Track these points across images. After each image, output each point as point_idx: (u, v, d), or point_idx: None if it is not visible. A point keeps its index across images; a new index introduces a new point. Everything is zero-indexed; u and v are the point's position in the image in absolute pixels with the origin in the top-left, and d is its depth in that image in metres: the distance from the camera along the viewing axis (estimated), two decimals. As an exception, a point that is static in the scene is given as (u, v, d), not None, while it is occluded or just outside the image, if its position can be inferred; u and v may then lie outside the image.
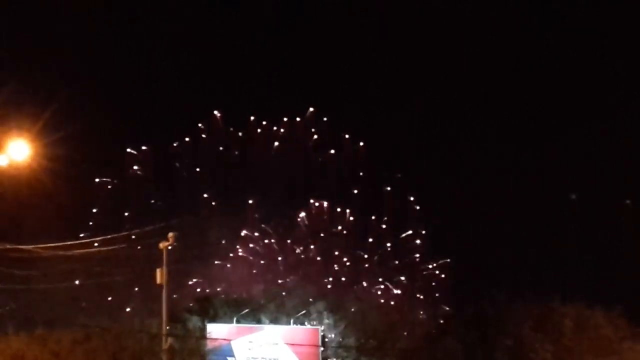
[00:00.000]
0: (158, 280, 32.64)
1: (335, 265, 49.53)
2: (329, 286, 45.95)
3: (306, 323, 38.83)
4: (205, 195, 51.45)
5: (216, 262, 48.59)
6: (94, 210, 50.00)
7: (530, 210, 51.10)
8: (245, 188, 51.31)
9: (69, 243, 34.75)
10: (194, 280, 47.63)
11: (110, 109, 50.60)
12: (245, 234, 50.49)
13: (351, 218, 51.47)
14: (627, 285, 42.39)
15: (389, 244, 51.64)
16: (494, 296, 39.88)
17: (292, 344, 36.51)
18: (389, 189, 51.79)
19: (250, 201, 51.22)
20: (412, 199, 52.01)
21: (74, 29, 52.22)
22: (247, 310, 39.76)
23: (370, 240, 51.47)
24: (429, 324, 42.88)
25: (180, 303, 41.99)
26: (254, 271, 48.07)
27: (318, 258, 49.95)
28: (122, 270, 39.41)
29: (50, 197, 41.82)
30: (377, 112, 56.79)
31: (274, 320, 39.41)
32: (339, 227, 51.32)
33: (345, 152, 52.74)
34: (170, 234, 32.57)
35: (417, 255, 51.51)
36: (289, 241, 50.02)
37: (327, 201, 51.36)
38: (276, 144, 53.20)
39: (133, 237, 38.01)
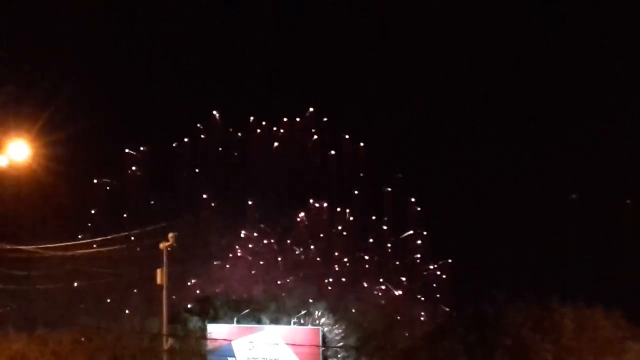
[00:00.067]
0: (158, 281, 32.67)
1: (336, 266, 49.49)
2: (329, 287, 45.91)
3: (307, 323, 38.86)
4: (204, 196, 51.42)
5: (216, 262, 48.55)
6: (93, 212, 49.92)
7: (530, 210, 51.06)
8: (245, 188, 51.30)
9: (69, 243, 34.81)
10: (195, 280, 47.60)
11: (109, 109, 50.61)
12: (245, 234, 50.45)
13: (351, 218, 51.44)
14: (627, 285, 42.37)
15: (389, 245, 51.61)
16: (494, 296, 39.94)
17: (293, 344, 36.53)
18: (389, 189, 51.75)
19: (250, 202, 51.20)
20: (412, 199, 51.98)
21: (74, 29, 52.23)
22: (247, 311, 39.80)
23: (371, 240, 51.44)
24: (429, 324, 42.90)
25: (180, 303, 42.00)
26: (254, 272, 48.02)
27: (318, 258, 49.93)
28: (122, 271, 39.37)
29: (49, 198, 41.84)
30: (377, 112, 56.77)
31: (275, 321, 39.43)
32: (339, 228, 51.26)
33: (345, 153, 52.71)
34: (171, 235, 32.61)
35: (418, 255, 51.47)
36: (288, 241, 49.98)
37: (327, 201, 51.33)
38: (276, 144, 53.18)
39: (132, 238, 37.99)
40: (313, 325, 38.60)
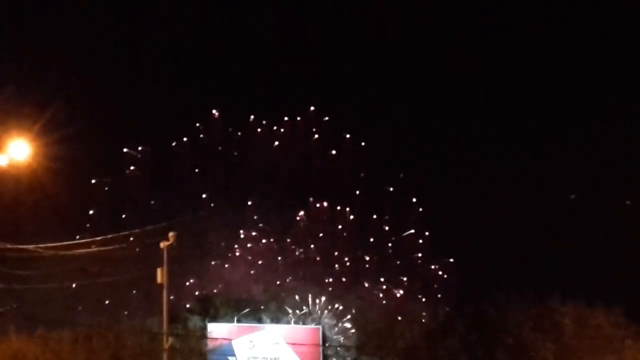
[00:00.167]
0: (158, 280, 32.69)
1: (336, 265, 49.45)
2: (330, 288, 45.85)
3: (307, 322, 38.87)
4: (204, 196, 51.39)
5: (216, 262, 48.53)
6: (91, 212, 49.87)
7: (530, 210, 51.03)
8: (245, 188, 51.26)
9: (69, 243, 34.77)
10: (195, 280, 47.57)
11: (109, 109, 50.61)
12: (245, 234, 50.42)
13: (351, 217, 51.42)
14: (627, 284, 42.36)
15: (390, 244, 51.57)
16: (494, 296, 39.98)
17: (293, 344, 36.55)
18: (391, 189, 51.74)
19: (250, 202, 51.16)
20: (414, 200, 51.97)
21: (74, 29, 52.25)
22: (247, 310, 39.81)
23: (372, 240, 51.40)
24: (430, 324, 42.89)
25: (181, 303, 41.99)
26: (254, 271, 47.98)
27: (317, 258, 49.89)
28: (123, 270, 39.34)
29: (50, 197, 41.82)
30: (377, 111, 56.75)
31: (275, 320, 39.44)
32: (340, 227, 51.23)
33: (346, 152, 52.66)
34: (171, 234, 32.65)
35: (419, 255, 51.43)
36: (288, 240, 49.97)
37: (327, 201, 51.29)
38: (276, 143, 53.13)
39: (131, 239, 37.98)
40: (314, 324, 38.62)
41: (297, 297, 40.27)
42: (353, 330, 39.36)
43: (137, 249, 39.65)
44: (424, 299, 48.01)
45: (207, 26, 58.92)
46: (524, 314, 39.02)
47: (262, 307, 40.18)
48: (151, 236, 34.66)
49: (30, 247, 33.33)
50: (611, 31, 54.54)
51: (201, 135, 53.17)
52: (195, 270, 46.94)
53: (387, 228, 51.51)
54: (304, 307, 39.75)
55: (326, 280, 45.95)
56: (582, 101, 54.52)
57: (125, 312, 42.59)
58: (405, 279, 49.85)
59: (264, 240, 50.02)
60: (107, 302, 43.79)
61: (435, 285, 49.91)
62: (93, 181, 50.51)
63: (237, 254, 49.32)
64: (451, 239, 50.23)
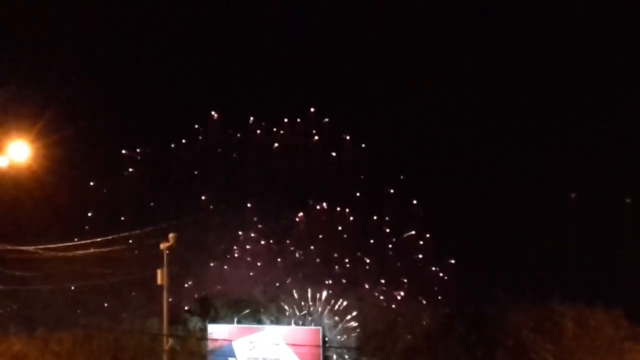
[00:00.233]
0: (159, 281, 32.77)
1: (336, 267, 49.45)
2: (330, 290, 45.87)
3: (307, 323, 38.87)
4: (203, 197, 51.40)
5: (216, 263, 48.54)
6: (89, 214, 49.86)
7: (530, 210, 51.01)
8: (245, 189, 51.25)
9: (69, 244, 34.79)
10: (195, 281, 47.58)
11: (107, 110, 50.58)
12: (245, 235, 50.42)
13: (351, 218, 51.39)
14: (627, 285, 42.36)
15: (390, 245, 51.57)
16: (494, 296, 39.95)
17: (293, 344, 36.56)
18: (392, 191, 51.72)
19: (249, 204, 51.16)
20: (415, 202, 51.94)
21: (74, 29, 52.24)
22: (247, 311, 39.84)
23: (372, 241, 51.40)
24: (430, 324, 42.87)
25: (181, 304, 42.00)
26: (254, 272, 47.99)
27: (317, 260, 49.88)
28: (123, 271, 39.37)
29: (50, 198, 41.84)
30: (378, 112, 56.71)
31: (275, 321, 39.45)
32: (339, 228, 51.21)
33: (346, 153, 52.61)
34: (171, 235, 32.73)
35: (419, 256, 51.41)
36: (288, 242, 49.98)
37: (327, 202, 51.27)
38: (275, 145, 53.10)
39: (130, 241, 37.99)
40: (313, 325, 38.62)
41: (297, 298, 40.25)
42: (353, 332, 39.34)
43: (137, 251, 39.66)
44: (423, 300, 48.04)
45: (206, 26, 58.93)
46: (523, 315, 39.01)
47: (262, 309, 40.17)
48: (151, 237, 34.69)
49: (31, 248, 33.38)
50: (611, 31, 54.53)
51: (200, 137, 53.20)
52: (195, 271, 46.96)
53: (387, 230, 51.51)
54: (304, 308, 39.74)
55: (326, 282, 45.92)
56: (582, 101, 54.52)
57: (125, 314, 42.61)
58: (405, 280, 49.87)
59: (262, 242, 50.05)
60: (107, 303, 43.81)
61: (436, 286, 49.93)
62: (92, 183, 50.56)
63: (237, 255, 49.35)
64: (451, 239, 50.24)
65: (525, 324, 38.50)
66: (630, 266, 44.42)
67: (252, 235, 50.07)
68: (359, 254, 50.41)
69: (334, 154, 52.40)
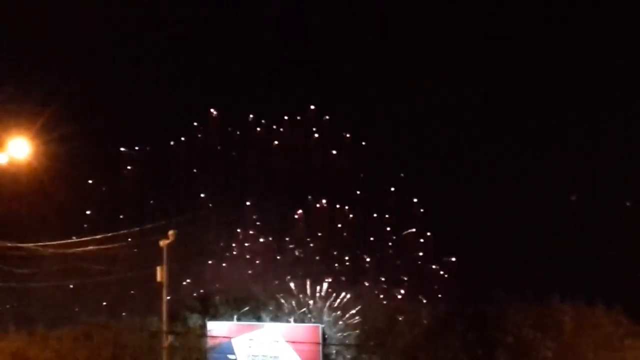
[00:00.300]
0: (158, 278, 32.70)
1: (336, 264, 49.49)
2: (329, 288, 45.87)
3: (307, 321, 38.83)
4: (202, 195, 51.44)
5: (215, 260, 48.59)
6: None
7: (530, 210, 51.08)
8: (244, 187, 51.31)
9: (69, 241, 34.78)
10: (195, 278, 47.62)
11: (107, 108, 50.68)
12: (244, 233, 50.47)
13: (350, 215, 51.45)
14: (627, 283, 42.39)
15: (390, 243, 51.63)
16: (494, 295, 39.92)
17: (293, 342, 36.50)
18: (392, 189, 51.77)
19: (249, 203, 51.19)
20: (415, 200, 51.98)
21: (74, 29, 52.32)
22: (247, 308, 39.79)
23: (372, 239, 51.46)
24: (430, 323, 42.82)
25: (180, 301, 41.96)
26: (254, 269, 48.04)
27: (317, 257, 49.92)
28: (122, 269, 39.37)
29: (49, 195, 41.87)
30: (378, 111, 56.79)
31: (275, 318, 39.41)
32: (339, 226, 51.27)
33: (346, 151, 52.70)
34: (171, 232, 32.68)
35: (420, 254, 51.47)
36: (287, 239, 50.03)
37: (327, 200, 51.32)
38: (275, 142, 53.16)
39: (129, 240, 38.00)
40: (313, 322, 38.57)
41: (296, 295, 40.21)
42: (353, 329, 39.29)
43: (136, 248, 39.66)
44: (424, 298, 48.06)
45: (206, 26, 59.06)
46: (523, 313, 38.95)
47: (262, 306, 40.14)
48: (151, 234, 34.67)
49: (30, 245, 33.34)
50: (611, 31, 54.62)
51: (199, 135, 53.26)
52: (195, 268, 47.00)
53: (387, 228, 51.57)
54: (304, 306, 39.71)
55: (326, 279, 45.92)
56: (582, 101, 54.62)
57: (125, 311, 42.62)
58: (405, 278, 49.92)
59: (262, 239, 50.09)
60: (106, 300, 43.83)
61: (436, 285, 49.97)
62: (90, 181, 50.58)
63: (236, 252, 49.40)
64: (451, 238, 50.33)
65: (525, 322, 38.43)
66: (630, 266, 44.48)
67: (252, 232, 50.11)
68: (358, 251, 50.49)
69: (334, 152, 52.48)
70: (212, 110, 53.12)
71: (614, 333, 37.46)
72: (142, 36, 54.79)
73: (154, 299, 35.28)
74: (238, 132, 53.01)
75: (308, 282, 40.55)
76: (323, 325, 37.80)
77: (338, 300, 39.84)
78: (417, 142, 55.67)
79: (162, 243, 32.74)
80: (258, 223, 50.56)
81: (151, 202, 49.96)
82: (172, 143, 52.54)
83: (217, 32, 59.40)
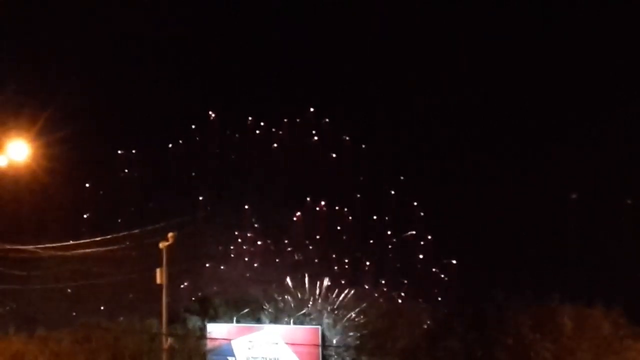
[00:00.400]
0: (158, 280, 32.70)
1: (335, 267, 49.46)
2: (329, 290, 45.88)
3: (306, 322, 38.82)
4: (200, 198, 51.44)
5: (215, 262, 48.58)
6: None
7: (530, 210, 51.07)
8: (243, 189, 51.27)
9: (69, 243, 34.82)
10: (194, 280, 47.62)
11: (105, 110, 50.69)
12: (243, 235, 50.46)
13: (350, 217, 51.44)
14: (627, 284, 42.36)
15: (390, 246, 51.62)
16: (494, 296, 39.90)
17: (292, 344, 36.52)
18: (392, 191, 51.75)
19: (247, 205, 51.17)
20: (415, 203, 51.97)
21: (74, 29, 52.35)
22: (247, 310, 39.81)
23: (372, 241, 51.45)
24: (430, 324, 42.84)
25: (180, 303, 41.99)
26: (253, 271, 48.04)
27: (316, 260, 49.90)
28: (122, 271, 39.40)
29: (49, 198, 41.92)
30: (378, 113, 56.77)
31: (274, 320, 39.42)
32: (338, 228, 51.26)
33: (346, 153, 52.67)
34: (170, 234, 32.67)
35: (420, 256, 51.44)
36: (286, 241, 50.02)
37: (326, 202, 51.28)
38: (275, 145, 53.15)
39: (127, 243, 37.99)
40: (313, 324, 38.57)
41: (296, 297, 40.22)
42: (353, 331, 39.30)
43: (135, 250, 39.68)
44: (423, 299, 48.04)
45: (205, 26, 59.03)
46: (523, 314, 38.93)
47: (262, 308, 40.16)
48: (151, 236, 34.67)
49: (30, 247, 33.37)
50: (611, 31, 54.59)
51: (197, 137, 53.23)
52: (194, 271, 47.00)
53: (387, 230, 51.56)
54: (304, 308, 39.72)
55: (325, 281, 45.95)
56: (582, 101, 54.61)
57: (125, 313, 42.59)
58: (405, 280, 49.90)
59: (260, 242, 50.08)
60: (106, 302, 43.85)
61: (435, 287, 49.95)
62: (87, 185, 50.58)
63: (236, 254, 49.39)
64: (451, 239, 50.32)
65: (525, 323, 38.39)
66: (630, 266, 44.45)
67: (250, 235, 50.12)
68: (358, 254, 50.47)
69: (333, 154, 52.46)
70: (210, 113, 53.12)
71: (614, 334, 37.44)
72: (141, 37, 54.85)
73: (153, 301, 35.29)
74: (237, 134, 53.01)
75: (307, 284, 40.54)
76: (322, 327, 37.83)
77: (338, 302, 39.86)
78: (417, 143, 55.72)
79: (162, 245, 32.73)
80: (257, 225, 50.50)
81: (150, 204, 49.94)
82: (170, 145, 52.49)
83: (216, 33, 59.47)
